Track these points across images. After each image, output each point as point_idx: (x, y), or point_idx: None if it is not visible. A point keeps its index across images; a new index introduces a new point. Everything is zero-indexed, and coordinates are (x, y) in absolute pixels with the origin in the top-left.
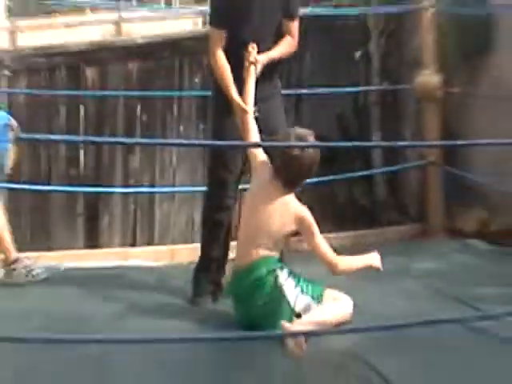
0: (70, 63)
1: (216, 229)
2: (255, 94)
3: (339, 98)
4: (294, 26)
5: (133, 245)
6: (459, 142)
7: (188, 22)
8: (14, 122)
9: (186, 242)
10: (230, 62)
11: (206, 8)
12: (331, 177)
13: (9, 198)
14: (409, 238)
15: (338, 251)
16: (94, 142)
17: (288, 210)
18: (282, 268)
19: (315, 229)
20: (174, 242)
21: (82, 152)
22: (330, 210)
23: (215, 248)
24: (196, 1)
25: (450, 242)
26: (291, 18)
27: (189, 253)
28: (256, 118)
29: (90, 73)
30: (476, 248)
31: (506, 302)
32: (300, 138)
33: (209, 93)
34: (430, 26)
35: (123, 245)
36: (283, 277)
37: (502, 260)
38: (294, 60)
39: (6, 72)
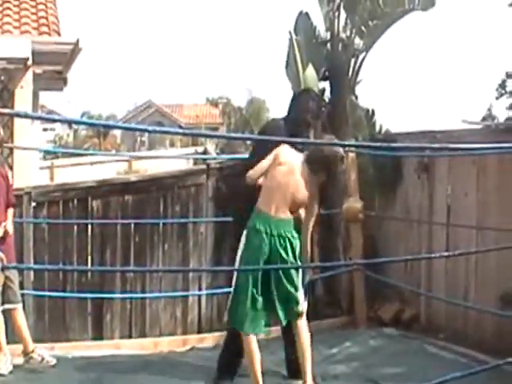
0: (80, 196)
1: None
2: None
3: None
4: None
5: (130, 336)
6: (379, 260)
7: (184, 162)
8: (1, 255)
9: (170, 333)
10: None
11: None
12: None
13: (34, 301)
14: (341, 327)
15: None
16: (93, 270)
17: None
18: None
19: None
20: (160, 334)
21: (89, 265)
22: None
23: (237, 346)
24: (193, 144)
25: (369, 331)
26: None
27: (169, 343)
28: None
29: (96, 204)
30: (389, 335)
31: (405, 379)
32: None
33: (183, 220)
34: (353, 165)
35: (122, 337)
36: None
37: (406, 343)
38: None
39: (33, 203)
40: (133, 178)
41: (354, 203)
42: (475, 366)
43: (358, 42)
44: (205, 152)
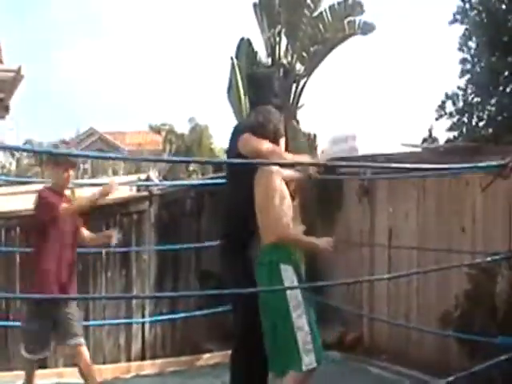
0: (23, 224)
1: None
2: None
3: None
4: None
5: (74, 364)
6: (320, 283)
7: (127, 189)
8: None
9: (113, 361)
10: None
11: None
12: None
13: None
14: None
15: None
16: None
17: None
18: None
19: None
20: (104, 361)
21: None
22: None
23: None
24: (136, 171)
25: None
26: None
27: (112, 370)
28: None
29: None
30: (332, 358)
31: None
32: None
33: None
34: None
35: (66, 365)
36: None
37: (350, 365)
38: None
39: None
40: None
41: (296, 227)
42: None
43: (299, 67)
44: (148, 179)
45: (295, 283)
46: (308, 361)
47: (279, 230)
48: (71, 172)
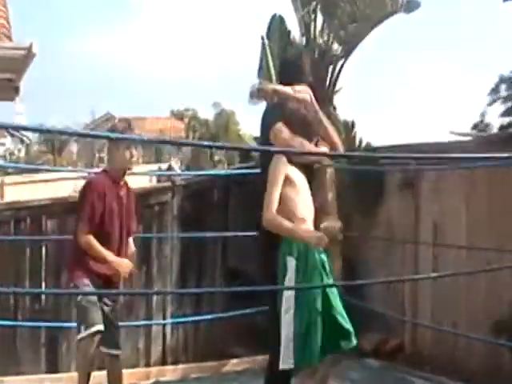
0: (33, 216)
1: None
2: None
3: None
4: None
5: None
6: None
7: (146, 179)
8: None
9: (132, 365)
10: None
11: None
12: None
13: None
14: None
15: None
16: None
17: None
18: None
19: None
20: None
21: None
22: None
23: None
24: (157, 160)
25: (347, 362)
26: None
27: (130, 375)
28: None
29: (51, 223)
30: (370, 366)
31: None
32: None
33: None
34: (331, 181)
35: None
36: None
37: (389, 375)
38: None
39: None
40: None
41: (332, 223)
42: None
43: (337, 47)
44: (169, 169)
45: (293, 276)
46: (284, 358)
47: (263, 219)
48: (135, 151)
